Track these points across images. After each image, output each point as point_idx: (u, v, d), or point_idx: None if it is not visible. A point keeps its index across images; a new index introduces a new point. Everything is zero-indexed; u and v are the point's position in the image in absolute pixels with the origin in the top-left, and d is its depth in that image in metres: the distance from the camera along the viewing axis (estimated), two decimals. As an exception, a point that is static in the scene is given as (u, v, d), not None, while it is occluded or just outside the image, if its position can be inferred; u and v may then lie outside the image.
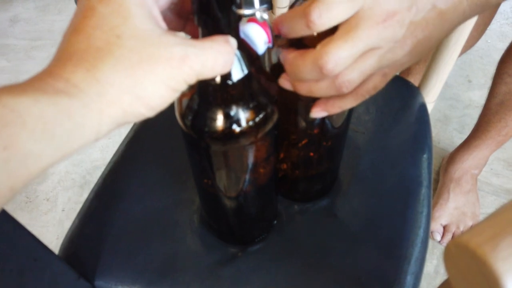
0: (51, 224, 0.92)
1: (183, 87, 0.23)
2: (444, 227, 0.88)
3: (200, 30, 0.26)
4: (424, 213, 0.47)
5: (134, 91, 0.21)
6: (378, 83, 0.31)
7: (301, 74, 0.29)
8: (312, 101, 0.36)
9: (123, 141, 0.55)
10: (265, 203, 0.43)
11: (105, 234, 0.47)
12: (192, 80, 0.23)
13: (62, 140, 0.20)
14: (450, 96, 1.16)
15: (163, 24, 0.24)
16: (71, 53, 0.21)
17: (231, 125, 0.30)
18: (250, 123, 0.30)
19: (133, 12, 0.22)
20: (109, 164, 0.53)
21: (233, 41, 0.25)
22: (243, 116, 0.30)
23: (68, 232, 0.48)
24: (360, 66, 0.28)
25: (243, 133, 0.30)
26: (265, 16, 0.26)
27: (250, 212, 0.42)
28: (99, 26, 0.21)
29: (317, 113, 0.33)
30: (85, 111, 0.20)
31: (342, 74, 0.28)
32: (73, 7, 0.77)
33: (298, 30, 0.27)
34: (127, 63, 0.21)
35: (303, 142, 0.41)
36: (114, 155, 0.53)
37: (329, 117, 0.38)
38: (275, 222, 0.47)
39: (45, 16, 1.37)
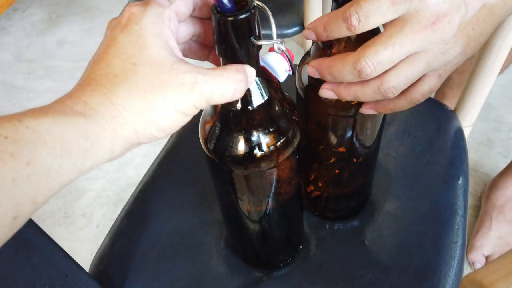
0: (86, 239, 0.95)
1: (193, 111, 0.24)
2: (487, 258, 0.83)
3: (221, 60, 0.27)
4: (459, 244, 0.44)
5: (146, 114, 0.23)
6: (433, 85, 0.31)
7: (341, 77, 0.29)
8: (342, 117, 0.36)
9: (153, 163, 0.56)
10: (289, 227, 0.42)
11: (133, 253, 0.48)
12: (202, 105, 0.24)
13: (79, 157, 0.21)
14: (494, 118, 1.11)
15: (178, 53, 0.25)
16: (92, 79, 0.23)
17: (251, 150, 0.30)
18: (271, 147, 0.30)
19: (149, 42, 0.23)
20: (140, 184, 0.54)
21: (249, 70, 0.26)
22: (264, 141, 0.30)
23: (98, 250, 0.49)
24: (406, 71, 0.28)
25: (263, 157, 0.30)
26: (282, 47, 0.26)
27: (274, 235, 0.41)
28: (118, 55, 0.23)
29: (367, 110, 0.34)
30: (99, 131, 0.22)
31: (387, 80, 0.28)
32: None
33: (339, 33, 0.28)
34: (140, 88, 0.22)
35: (332, 160, 0.41)
36: (145, 175, 0.55)
37: (360, 134, 0.37)
38: (301, 247, 0.46)
39: (89, 39, 1.45)
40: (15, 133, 0.19)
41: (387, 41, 0.26)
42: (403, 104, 0.32)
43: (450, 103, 0.88)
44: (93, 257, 0.49)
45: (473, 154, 1.04)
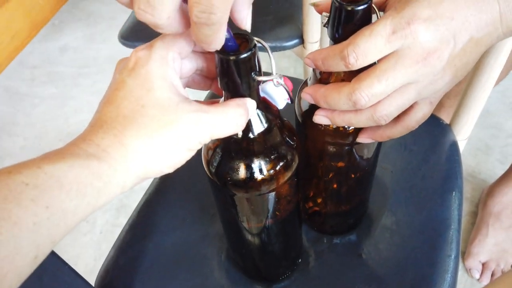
0: (89, 245, 0.97)
1: (198, 147, 0.26)
2: (483, 264, 0.85)
3: (223, 92, 0.28)
4: (452, 257, 0.46)
5: (154, 153, 0.24)
6: (426, 111, 0.33)
7: (336, 106, 0.31)
8: (339, 146, 0.37)
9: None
10: (288, 242, 0.44)
11: (137, 265, 0.49)
12: (206, 141, 0.26)
13: (93, 197, 0.23)
14: (492, 124, 1.12)
15: (183, 91, 0.26)
16: (103, 121, 0.24)
17: (252, 175, 0.31)
18: (271, 172, 0.32)
19: (156, 85, 0.25)
20: (144, 196, 0.56)
21: (250, 103, 0.27)
22: (264, 166, 0.31)
23: (104, 262, 0.51)
24: (398, 100, 0.30)
25: (264, 182, 0.32)
26: (281, 81, 0.28)
27: (273, 250, 0.43)
28: (127, 97, 0.24)
29: (364, 140, 0.35)
30: (112, 171, 0.23)
31: (380, 109, 0.30)
32: (116, 37, 0.82)
33: (337, 68, 0.30)
34: (148, 130, 0.24)
35: (329, 179, 0.42)
36: (148, 188, 0.56)
37: (357, 158, 0.39)
38: (299, 260, 0.47)
39: (92, 45, 1.46)
40: (35, 179, 0.20)
41: (381, 75, 0.28)
42: (399, 131, 0.34)
43: (448, 113, 0.89)
44: (96, 263, 0.50)
45: (471, 160, 1.05)
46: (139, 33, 0.79)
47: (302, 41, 0.74)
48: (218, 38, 0.23)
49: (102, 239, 0.98)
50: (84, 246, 0.97)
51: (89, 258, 0.93)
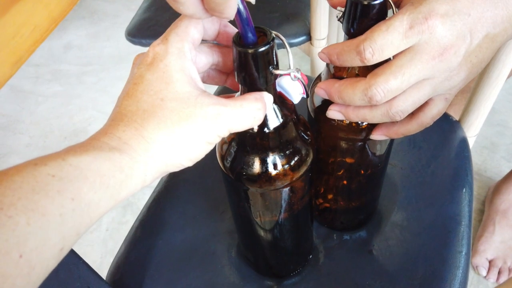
0: (96, 243, 0.97)
1: (217, 140, 0.26)
2: (490, 262, 0.85)
3: (240, 86, 0.28)
4: (463, 253, 0.46)
5: (174, 146, 0.24)
6: (441, 108, 0.33)
7: (351, 101, 0.30)
8: (351, 142, 0.37)
9: (166, 171, 0.58)
10: (300, 238, 0.44)
11: (148, 261, 0.49)
12: (225, 134, 0.26)
13: (115, 189, 0.23)
14: (498, 122, 1.12)
15: (201, 84, 0.26)
16: (123, 115, 0.24)
17: (266, 170, 0.31)
18: (286, 166, 0.32)
19: (174, 78, 0.25)
20: (153, 193, 0.56)
21: (267, 97, 0.27)
22: (279, 161, 0.31)
23: (115, 258, 0.51)
24: (414, 96, 0.29)
25: (278, 177, 0.32)
26: (298, 75, 0.28)
27: (285, 247, 0.43)
28: (146, 91, 0.24)
29: (378, 137, 0.35)
30: (133, 164, 0.23)
31: (395, 105, 0.30)
32: (121, 34, 0.82)
33: (352, 63, 0.29)
34: (168, 122, 0.24)
35: (340, 174, 0.42)
36: (157, 185, 0.56)
37: (369, 154, 0.39)
38: (310, 256, 0.47)
39: (95, 43, 1.46)
40: (60, 171, 0.20)
41: (397, 70, 0.28)
42: (414, 128, 0.33)
43: (455, 110, 0.89)
44: (103, 261, 0.50)
45: (477, 158, 1.05)
46: (145, 31, 0.79)
47: (309, 38, 0.74)
48: (229, 2, 0.22)
49: (108, 237, 0.98)
50: (90, 244, 0.97)
51: (95, 256, 0.94)
